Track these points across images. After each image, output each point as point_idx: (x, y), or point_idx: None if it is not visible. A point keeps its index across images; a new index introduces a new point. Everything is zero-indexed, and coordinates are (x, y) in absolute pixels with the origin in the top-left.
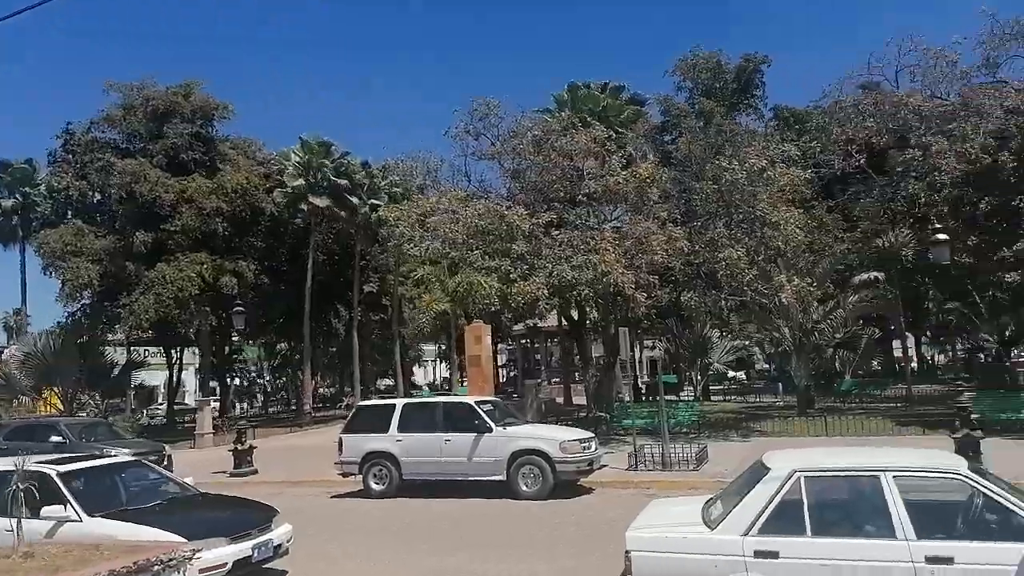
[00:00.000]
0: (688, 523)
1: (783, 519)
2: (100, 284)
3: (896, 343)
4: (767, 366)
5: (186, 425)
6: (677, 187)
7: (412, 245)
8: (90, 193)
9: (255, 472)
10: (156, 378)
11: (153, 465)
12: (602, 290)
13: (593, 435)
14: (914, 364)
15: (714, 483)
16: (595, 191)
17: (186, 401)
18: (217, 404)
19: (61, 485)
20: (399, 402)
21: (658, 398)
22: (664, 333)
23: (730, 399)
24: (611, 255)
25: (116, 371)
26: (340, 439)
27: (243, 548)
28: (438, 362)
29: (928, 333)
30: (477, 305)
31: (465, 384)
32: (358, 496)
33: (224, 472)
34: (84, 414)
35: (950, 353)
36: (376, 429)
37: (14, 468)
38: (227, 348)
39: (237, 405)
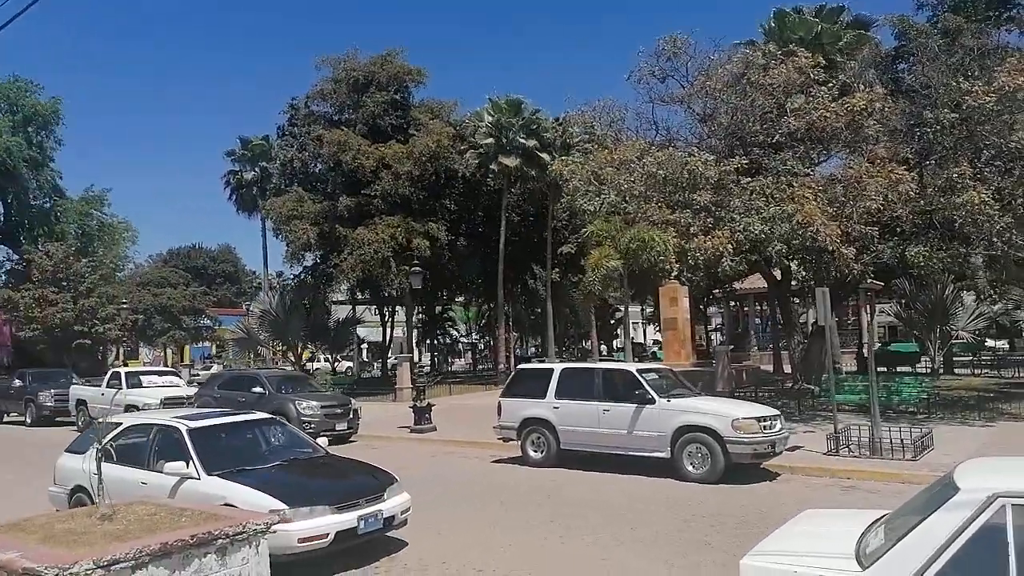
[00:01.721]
0: (833, 554)
1: (971, 567)
2: (316, 244)
3: None
4: None
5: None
6: (907, 120)
7: (586, 200)
8: (310, 163)
9: (434, 429)
10: (377, 335)
11: (287, 424)
12: (799, 245)
13: (778, 413)
14: None
15: (934, 478)
16: (797, 129)
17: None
18: (428, 360)
19: (188, 441)
20: (558, 366)
21: (881, 369)
22: (895, 295)
23: (980, 373)
24: (811, 203)
25: (336, 327)
26: (499, 403)
27: (347, 518)
28: (642, 324)
29: None
30: (652, 263)
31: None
32: (517, 463)
33: (407, 427)
34: (316, 365)
35: None
36: (534, 394)
37: (148, 422)
38: (436, 308)
39: (443, 362)
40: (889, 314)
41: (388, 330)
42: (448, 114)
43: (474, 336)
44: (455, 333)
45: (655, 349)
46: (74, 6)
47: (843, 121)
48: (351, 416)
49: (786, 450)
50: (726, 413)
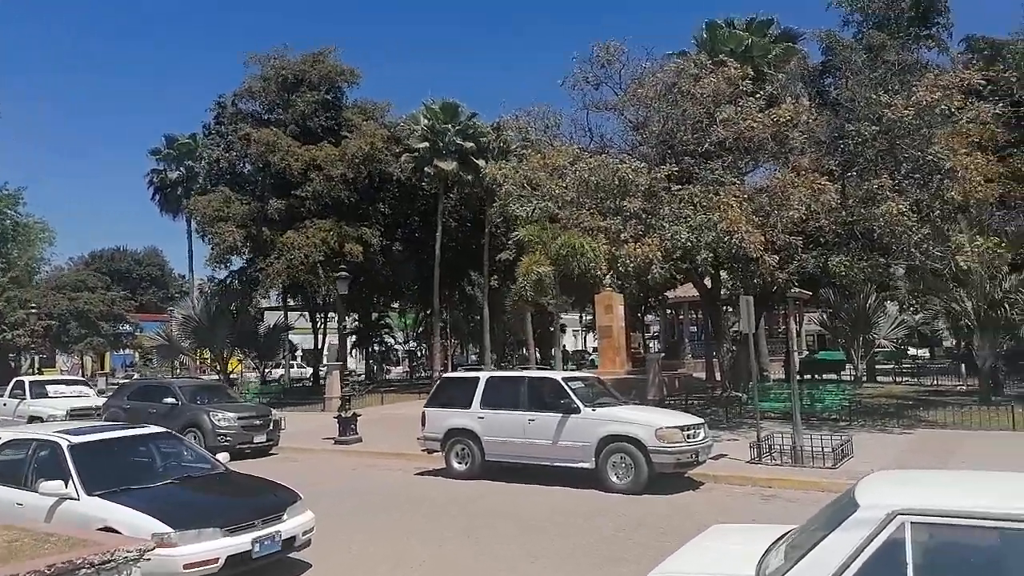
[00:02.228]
0: (733, 573)
1: None
2: (243, 247)
3: None
4: (953, 343)
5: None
6: (831, 132)
7: (518, 206)
8: (238, 163)
9: (359, 440)
10: (311, 342)
11: (183, 438)
12: (725, 253)
13: (702, 421)
14: None
15: (851, 486)
16: (725, 139)
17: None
18: (364, 368)
19: (69, 458)
20: (483, 375)
21: (808, 376)
22: (822, 304)
23: (901, 381)
24: (736, 212)
25: (266, 334)
26: (423, 412)
27: (240, 541)
28: (582, 332)
29: None
30: (583, 269)
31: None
32: (440, 475)
33: (332, 439)
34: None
35: None
36: (459, 403)
37: (28, 437)
38: (372, 315)
39: (379, 370)
40: (815, 323)
41: (321, 337)
42: (382, 115)
43: (411, 343)
44: (391, 340)
45: (593, 357)
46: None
47: (769, 132)
48: (271, 428)
49: (710, 458)
50: (650, 422)
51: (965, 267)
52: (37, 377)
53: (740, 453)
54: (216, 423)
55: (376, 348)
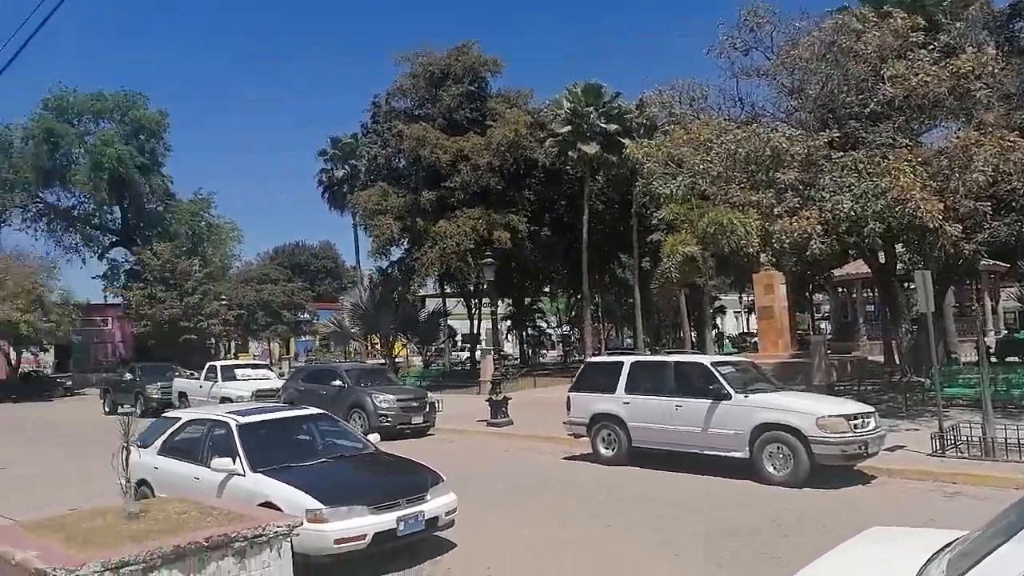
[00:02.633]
0: None
1: None
2: (400, 238)
3: None
4: None
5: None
6: (1022, 83)
7: (662, 184)
8: (393, 159)
9: (510, 423)
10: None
11: (338, 419)
12: (896, 224)
13: (872, 410)
14: None
15: None
16: (894, 97)
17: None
18: (518, 353)
19: (237, 437)
20: (627, 359)
21: (1011, 359)
22: (1020, 278)
23: None
24: (908, 177)
25: (424, 320)
26: (568, 397)
27: (386, 519)
28: (744, 314)
29: None
30: (734, 247)
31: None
32: (587, 460)
33: (484, 421)
34: (411, 358)
35: None
36: (604, 388)
37: (204, 418)
38: (524, 300)
39: (533, 354)
40: (1014, 298)
41: (475, 322)
42: (525, 103)
43: (564, 327)
44: (544, 325)
45: (756, 339)
46: (179, 23)
47: (946, 86)
48: (427, 410)
49: (885, 450)
50: (810, 410)
51: None
52: (227, 362)
53: (920, 445)
54: (378, 404)
55: (529, 332)
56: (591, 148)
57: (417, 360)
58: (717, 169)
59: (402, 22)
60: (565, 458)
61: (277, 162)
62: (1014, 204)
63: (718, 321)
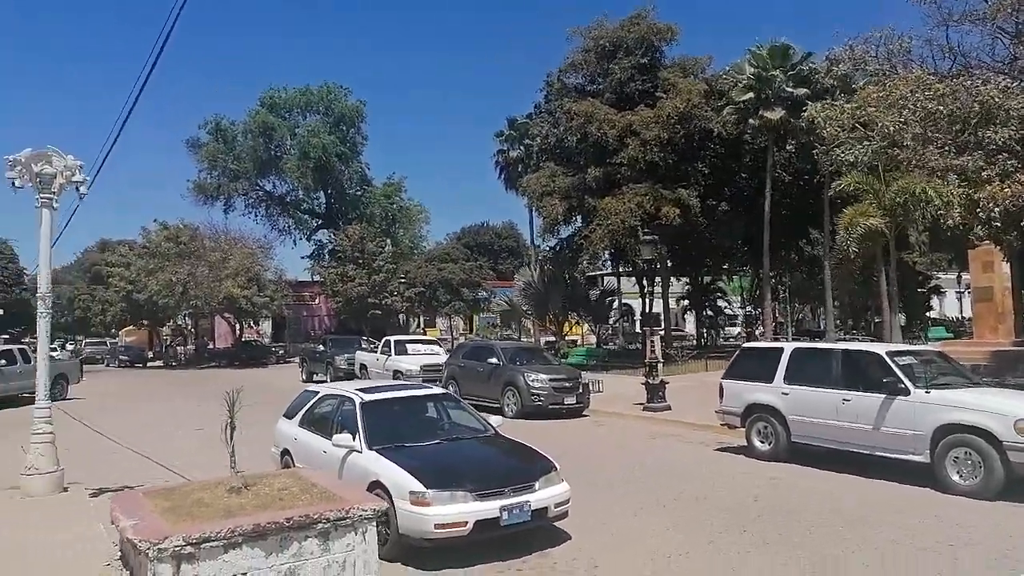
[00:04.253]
0: None
1: None
2: (569, 217)
3: None
4: None
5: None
6: None
7: (845, 150)
8: (564, 137)
9: (667, 408)
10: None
11: (460, 400)
12: None
13: None
14: None
15: None
16: None
17: (684, 329)
18: (695, 333)
19: (359, 414)
20: (788, 346)
21: None
22: None
23: None
24: None
25: (595, 299)
26: (721, 384)
27: (489, 507)
28: (965, 295)
29: None
30: (932, 218)
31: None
32: (742, 453)
33: (641, 404)
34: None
35: None
36: (760, 377)
37: (337, 393)
38: (701, 279)
39: (714, 335)
40: None
41: (648, 301)
42: (702, 71)
43: (748, 308)
44: (724, 304)
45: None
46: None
47: None
48: (580, 390)
49: None
50: (1008, 411)
51: None
52: (400, 337)
53: None
54: (530, 383)
55: (708, 313)
56: (775, 114)
57: (593, 339)
58: (913, 130)
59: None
60: (717, 449)
61: (465, 145)
62: None
63: (934, 303)
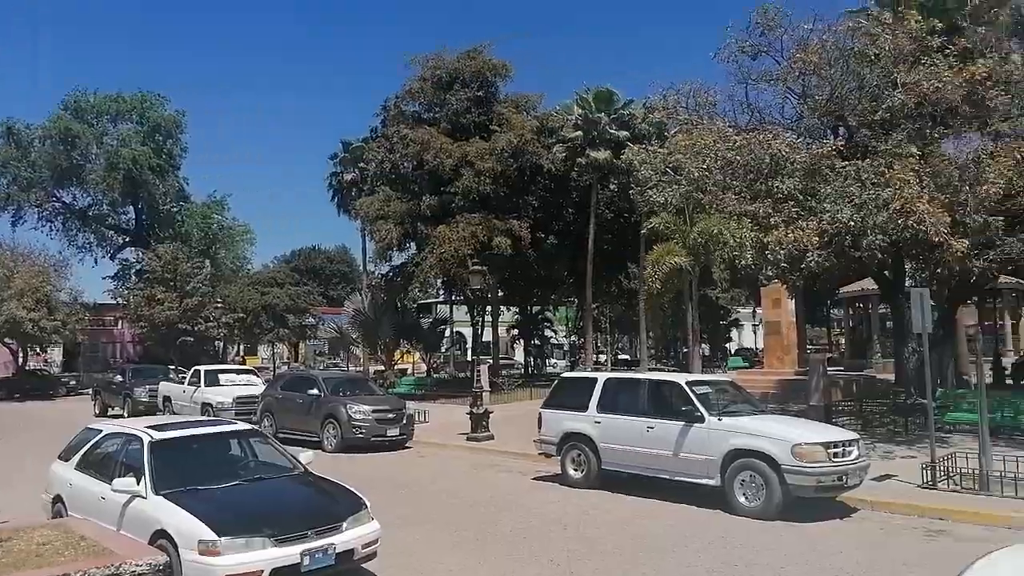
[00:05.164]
0: None
1: None
2: (401, 244)
3: None
4: None
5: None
6: None
7: (656, 192)
8: (400, 163)
9: (490, 438)
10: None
11: (268, 436)
12: (898, 236)
13: (856, 437)
14: None
15: None
16: (904, 104)
17: (513, 357)
18: (523, 361)
19: (147, 454)
20: (601, 376)
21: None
22: None
23: None
24: (912, 188)
25: (429, 327)
26: (540, 414)
27: (288, 553)
28: (760, 328)
29: None
30: (726, 259)
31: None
32: (556, 481)
33: (466, 434)
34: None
35: None
36: (576, 406)
37: (122, 431)
38: (530, 308)
39: (541, 364)
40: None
41: (480, 330)
42: (534, 108)
43: (573, 337)
44: (552, 334)
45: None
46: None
47: (960, 93)
48: (404, 422)
49: (873, 479)
50: (786, 436)
51: None
52: (212, 367)
53: (913, 475)
54: (352, 415)
55: (536, 342)
56: (601, 154)
57: (423, 368)
58: (715, 177)
59: (420, 25)
60: (534, 478)
61: (296, 167)
62: None
63: (734, 335)
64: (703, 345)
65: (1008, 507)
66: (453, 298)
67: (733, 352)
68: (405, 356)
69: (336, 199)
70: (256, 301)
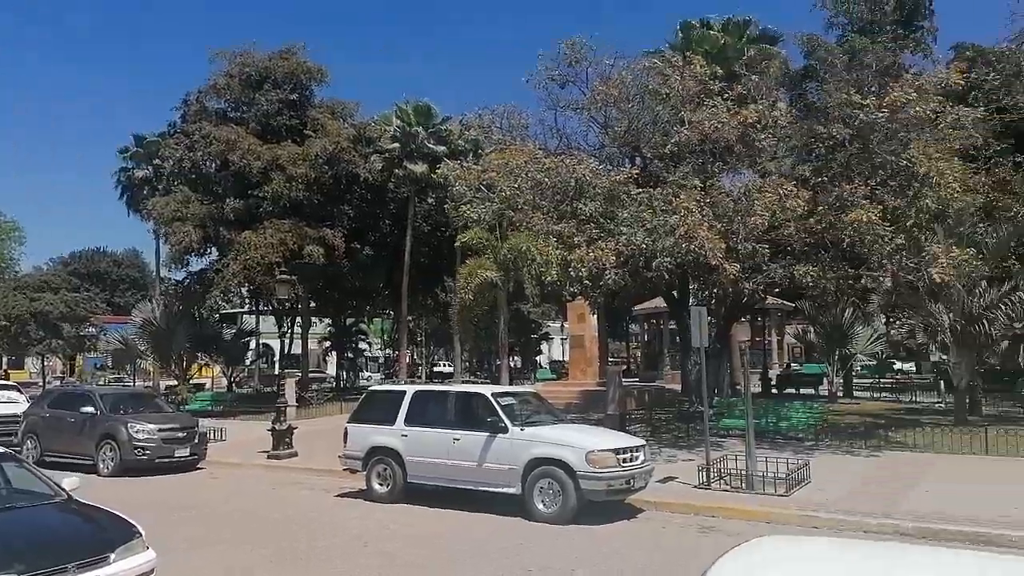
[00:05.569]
0: None
1: None
2: (201, 248)
3: None
4: (940, 358)
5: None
6: (804, 136)
7: (470, 208)
8: (202, 163)
9: (294, 455)
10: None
11: (23, 460)
12: (680, 259)
13: (642, 443)
14: None
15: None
16: (689, 140)
17: (326, 370)
18: (335, 375)
19: None
20: (410, 389)
21: (791, 391)
22: (802, 317)
23: (879, 397)
24: (695, 216)
25: (231, 339)
26: (346, 428)
27: None
28: (566, 341)
29: None
30: (533, 275)
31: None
32: (361, 497)
33: (266, 452)
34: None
35: None
36: (383, 420)
37: None
38: (344, 320)
39: (354, 377)
40: (789, 335)
41: (288, 342)
42: (351, 115)
43: (388, 350)
44: (367, 347)
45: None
46: None
47: (735, 134)
48: (196, 441)
49: (658, 482)
50: (581, 444)
51: (939, 280)
52: None
53: (691, 476)
54: (134, 435)
55: (350, 355)
56: (418, 167)
57: (224, 382)
58: (525, 196)
59: (228, 19)
60: (338, 495)
61: (82, 161)
62: (789, 248)
63: (544, 347)
64: (515, 358)
65: (769, 503)
66: (260, 308)
67: (544, 364)
68: (204, 370)
69: (126, 197)
70: (24, 308)
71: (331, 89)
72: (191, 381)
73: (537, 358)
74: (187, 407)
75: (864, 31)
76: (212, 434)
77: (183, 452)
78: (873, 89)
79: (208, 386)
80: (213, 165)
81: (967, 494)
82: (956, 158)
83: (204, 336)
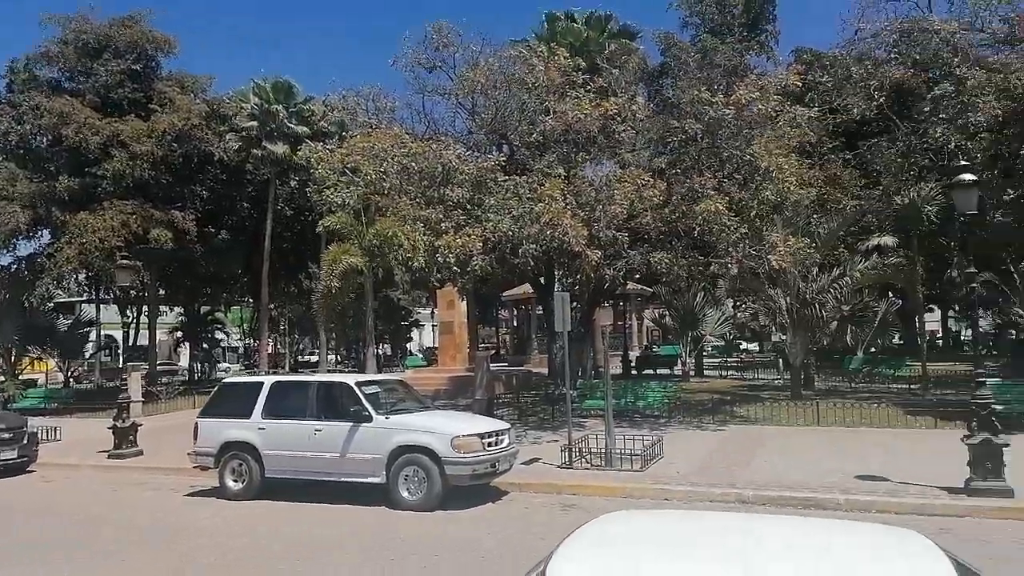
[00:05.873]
0: None
1: None
2: (31, 231)
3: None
4: (779, 338)
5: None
6: (660, 130)
7: (334, 192)
8: (32, 137)
9: (139, 454)
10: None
11: None
12: (545, 245)
13: (507, 427)
14: (940, 340)
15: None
16: (554, 129)
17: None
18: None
19: None
20: (268, 380)
21: (649, 372)
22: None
23: (726, 375)
24: (559, 204)
25: (68, 329)
26: (196, 424)
27: None
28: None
29: (956, 307)
30: (398, 261)
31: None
32: (213, 495)
33: (107, 451)
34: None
35: (984, 329)
36: (238, 413)
37: None
38: (198, 309)
39: (209, 369)
40: (648, 319)
41: (134, 332)
42: (203, 90)
43: (248, 340)
44: (224, 337)
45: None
46: None
47: (597, 125)
48: (24, 442)
49: (522, 464)
50: (446, 430)
51: (777, 266)
52: None
53: (555, 457)
54: None
55: (205, 345)
56: (279, 148)
57: (61, 377)
58: (392, 181)
59: None
60: (188, 494)
61: None
62: (646, 236)
63: (415, 334)
64: (385, 345)
65: (625, 479)
66: (101, 297)
67: (415, 351)
68: (37, 364)
69: None
70: None
71: (182, 62)
72: (20, 377)
73: (408, 345)
74: (14, 406)
75: (715, 32)
76: (45, 434)
77: (9, 455)
78: (722, 87)
79: (42, 382)
80: (44, 140)
81: (800, 463)
82: (793, 154)
83: (35, 327)
